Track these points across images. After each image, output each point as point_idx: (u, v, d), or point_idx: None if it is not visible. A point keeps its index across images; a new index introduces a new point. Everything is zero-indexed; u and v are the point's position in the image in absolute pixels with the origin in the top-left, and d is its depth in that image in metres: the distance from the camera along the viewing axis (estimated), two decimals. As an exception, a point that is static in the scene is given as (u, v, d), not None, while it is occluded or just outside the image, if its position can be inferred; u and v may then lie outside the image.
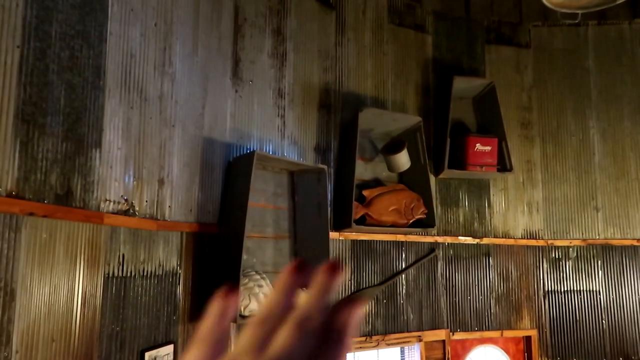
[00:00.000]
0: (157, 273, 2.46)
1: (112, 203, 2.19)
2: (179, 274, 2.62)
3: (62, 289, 1.88)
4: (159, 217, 2.49)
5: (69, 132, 1.93)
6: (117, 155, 2.23)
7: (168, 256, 2.56)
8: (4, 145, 1.61)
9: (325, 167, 3.31)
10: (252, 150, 3.02)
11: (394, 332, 3.97)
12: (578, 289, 4.52)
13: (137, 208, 2.35)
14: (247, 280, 2.85)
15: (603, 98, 4.70)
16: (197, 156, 2.81)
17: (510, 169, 4.23)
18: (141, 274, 2.36)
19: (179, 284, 2.62)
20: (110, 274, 2.17)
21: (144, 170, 2.40)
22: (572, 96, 4.73)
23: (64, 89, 1.91)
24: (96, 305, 2.08)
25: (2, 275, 1.59)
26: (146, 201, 2.42)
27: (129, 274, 2.28)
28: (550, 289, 4.54)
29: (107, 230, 2.15)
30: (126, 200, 2.29)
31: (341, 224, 3.67)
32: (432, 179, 4.28)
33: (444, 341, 4.20)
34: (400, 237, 4.09)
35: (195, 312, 2.73)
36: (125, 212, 2.27)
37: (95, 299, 2.08)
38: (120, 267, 2.23)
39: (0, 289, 1.58)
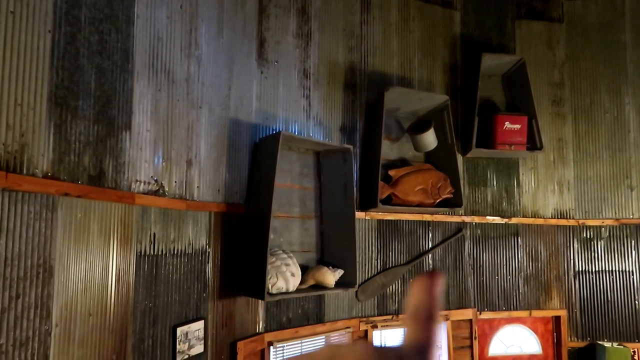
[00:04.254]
0: (187, 251, 2.53)
1: (142, 184, 2.25)
2: (208, 252, 2.69)
3: (97, 266, 1.95)
4: (187, 197, 2.55)
5: (99, 115, 1.99)
6: (146, 137, 2.28)
7: (197, 235, 2.62)
8: (39, 127, 1.67)
9: (351, 147, 3.31)
10: (277, 131, 3.04)
11: (421, 311, 3.98)
12: (610, 269, 4.44)
13: (166, 188, 2.41)
14: (274, 259, 2.90)
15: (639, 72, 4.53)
16: (223, 137, 2.85)
17: (541, 148, 4.14)
18: (172, 252, 2.43)
19: (208, 262, 2.69)
20: (142, 252, 2.24)
21: (172, 152, 2.45)
22: (606, 72, 4.58)
23: (94, 73, 1.96)
24: (129, 282, 2.15)
25: (41, 253, 1.66)
26: (175, 182, 2.47)
27: (160, 252, 2.35)
28: (581, 269, 4.47)
29: (138, 210, 2.21)
30: (156, 180, 2.34)
31: (367, 204, 3.68)
32: (460, 158, 4.24)
33: (470, 320, 4.20)
34: (427, 217, 4.08)
35: (225, 289, 2.80)
36: (155, 193, 2.33)
37: (129, 276, 2.15)
38: (152, 246, 2.30)
39: (40, 265, 1.65)
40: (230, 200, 2.88)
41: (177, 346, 2.42)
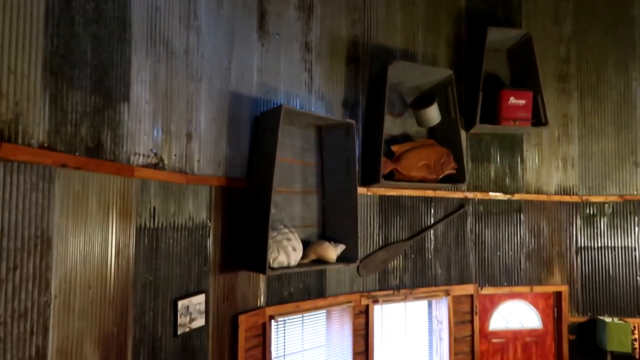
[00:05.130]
0: (187, 225, 2.52)
1: (141, 156, 2.23)
2: (209, 226, 2.68)
3: (96, 238, 1.94)
4: (188, 171, 2.52)
5: (97, 85, 1.95)
6: (145, 109, 2.25)
7: (198, 209, 2.60)
8: (34, 96, 1.63)
9: (353, 121, 3.27)
10: (279, 104, 2.99)
11: (422, 286, 4.00)
12: (612, 245, 4.43)
13: (166, 162, 2.38)
14: (275, 234, 2.89)
15: (648, 47, 4.45)
16: (224, 111, 2.81)
17: (545, 123, 4.09)
18: (172, 226, 2.42)
19: (209, 236, 2.68)
20: (142, 226, 2.23)
21: (172, 125, 2.42)
22: (614, 47, 4.50)
23: (90, 42, 1.92)
24: (129, 255, 2.14)
25: (39, 224, 1.65)
26: (175, 155, 2.45)
27: (160, 226, 2.34)
28: (583, 245, 4.46)
29: (137, 183, 2.19)
30: (155, 154, 2.32)
31: (369, 180, 3.65)
32: (463, 134, 4.19)
33: (472, 295, 4.21)
34: (429, 193, 4.05)
35: (226, 263, 2.80)
36: (155, 166, 2.31)
37: (129, 249, 2.14)
38: (152, 219, 2.29)
39: (37, 237, 1.64)
40: (231, 174, 2.85)
41: (178, 319, 2.42)
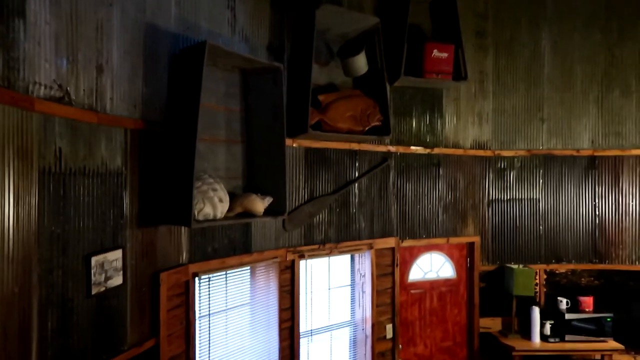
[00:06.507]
0: (100, 172, 2.20)
1: (43, 87, 1.87)
2: (125, 174, 2.37)
3: (-11, 181, 1.61)
4: (99, 109, 2.19)
5: (-18, -8, 1.57)
6: (45, 30, 1.88)
7: (112, 155, 2.28)
8: None
9: (281, 65, 3.06)
10: (202, 41, 2.69)
11: (347, 240, 3.96)
12: (520, 197, 4.70)
13: (73, 96, 2.03)
14: (200, 184, 2.64)
15: (558, 9, 4.66)
16: (139, 44, 2.47)
17: (465, 78, 4.17)
18: (82, 172, 2.09)
19: (125, 185, 2.38)
20: (46, 170, 1.90)
21: (78, 53, 2.06)
22: (529, 7, 4.66)
23: None
24: (31, 203, 1.81)
25: None
26: (83, 90, 2.10)
27: (68, 171, 2.01)
28: (494, 197, 4.68)
29: (39, 118, 1.85)
30: (60, 86, 1.96)
31: (295, 130, 3.48)
32: (387, 88, 4.13)
33: (393, 249, 4.26)
34: (354, 146, 3.98)
35: (144, 216, 2.52)
36: (60, 100, 1.96)
37: (30, 197, 1.81)
38: (58, 163, 1.96)
39: None
40: (149, 117, 2.54)
41: (92, 277, 2.14)
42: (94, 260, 2.14)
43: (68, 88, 2.01)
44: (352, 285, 4.23)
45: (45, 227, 1.89)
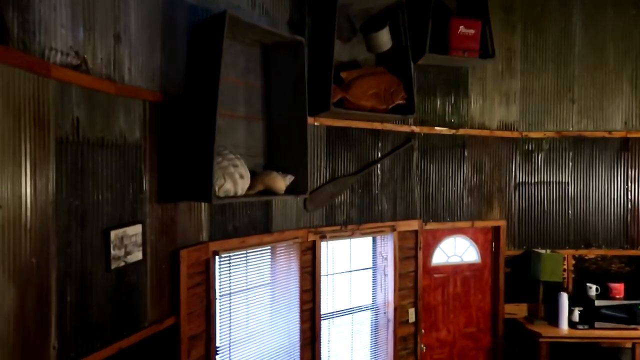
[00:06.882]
0: (119, 144, 2.14)
1: (59, 54, 1.81)
2: (144, 148, 2.31)
3: (5, 146, 1.55)
4: (117, 79, 2.12)
5: (-5, -51, 1.51)
6: (61, -6, 1.82)
7: (130, 127, 2.22)
8: None
9: (303, 39, 2.96)
10: (222, 11, 2.60)
11: (369, 222, 3.87)
12: (548, 180, 4.54)
13: (90, 65, 1.97)
14: (220, 159, 2.57)
15: (589, -20, 4.46)
16: (157, 14, 2.40)
17: (493, 55, 4.01)
18: (100, 143, 2.04)
19: (145, 159, 2.32)
20: (64, 139, 1.84)
21: (95, 21, 2.00)
22: (558, -22, 4.47)
23: None
24: (49, 172, 1.76)
25: None
26: (101, 59, 2.04)
27: (86, 142, 1.95)
28: (521, 180, 4.53)
29: (55, 85, 1.79)
30: (77, 53, 1.90)
31: (317, 108, 3.39)
32: (411, 65, 4.00)
33: (416, 231, 4.16)
34: (377, 125, 3.87)
35: (164, 191, 2.46)
36: (77, 68, 1.90)
37: (48, 166, 1.76)
38: (75, 133, 1.90)
39: None
40: (169, 90, 2.47)
41: (112, 252, 2.09)
42: (113, 234, 2.09)
43: (85, 56, 1.95)
44: (374, 268, 4.15)
45: (63, 199, 1.84)
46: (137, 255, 2.26)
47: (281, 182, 2.91)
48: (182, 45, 2.58)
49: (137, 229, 2.25)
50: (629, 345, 4.32)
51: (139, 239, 2.27)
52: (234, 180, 2.58)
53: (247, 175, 2.69)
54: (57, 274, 1.82)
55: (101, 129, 2.05)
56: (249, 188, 2.80)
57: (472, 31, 3.90)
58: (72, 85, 1.87)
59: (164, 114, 2.45)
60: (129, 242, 2.20)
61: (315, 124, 3.51)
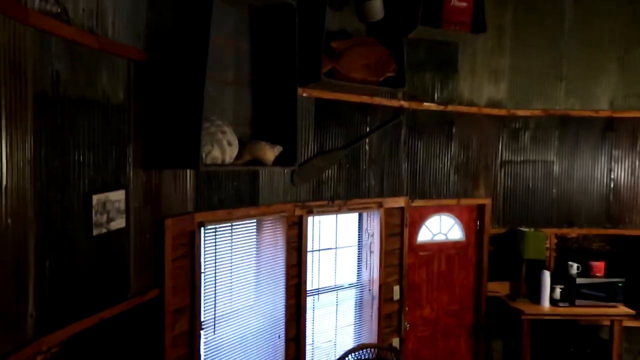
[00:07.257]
0: (101, 103, 2.01)
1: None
2: (128, 110, 2.18)
3: (-22, 95, 1.42)
4: (99, 33, 1.98)
5: None
6: None
7: (114, 87, 2.09)
8: None
9: (294, 2, 2.83)
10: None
11: (356, 198, 3.81)
12: (533, 159, 4.54)
13: (71, 15, 1.83)
14: (208, 125, 2.45)
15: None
16: (143, -33, 2.25)
17: (484, 30, 3.94)
18: (82, 101, 1.90)
19: (129, 121, 2.19)
20: (43, 93, 1.70)
21: (76, -33, 1.85)
22: (550, -45, 4.41)
23: None
24: (26, 127, 1.63)
25: None
26: (83, 9, 1.89)
27: (66, 99, 1.82)
28: (507, 159, 4.52)
29: (33, 33, 1.64)
30: (57, 0, 1.76)
31: (307, 79, 3.27)
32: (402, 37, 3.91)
33: (403, 208, 4.12)
34: (366, 99, 3.78)
35: (149, 157, 2.34)
36: (57, 16, 1.75)
37: (25, 120, 1.62)
38: (55, 88, 1.76)
39: None
40: (155, 50, 2.34)
41: (94, 217, 1.97)
42: (95, 198, 1.97)
43: (66, 5, 1.80)
44: (359, 245, 4.09)
45: (42, 158, 1.71)
46: (120, 223, 2.14)
47: (270, 153, 2.80)
48: (169, 1, 2.44)
49: (120, 194, 2.13)
50: (607, 322, 4.39)
51: (122, 206, 2.15)
52: (222, 147, 2.47)
53: (235, 142, 2.58)
54: (35, 238, 1.69)
55: (83, 86, 1.91)
56: (237, 158, 2.69)
57: (464, 4, 3.82)
58: (52, 36, 1.73)
59: (150, 75, 2.31)
60: (111, 208, 2.08)
61: (304, 95, 3.41)
